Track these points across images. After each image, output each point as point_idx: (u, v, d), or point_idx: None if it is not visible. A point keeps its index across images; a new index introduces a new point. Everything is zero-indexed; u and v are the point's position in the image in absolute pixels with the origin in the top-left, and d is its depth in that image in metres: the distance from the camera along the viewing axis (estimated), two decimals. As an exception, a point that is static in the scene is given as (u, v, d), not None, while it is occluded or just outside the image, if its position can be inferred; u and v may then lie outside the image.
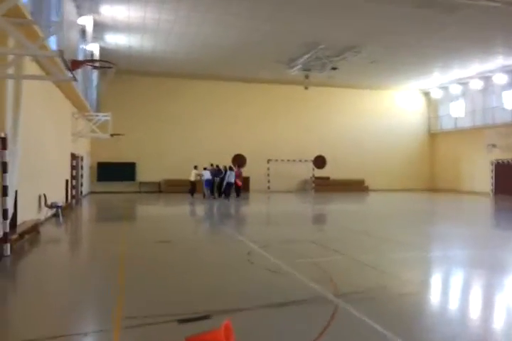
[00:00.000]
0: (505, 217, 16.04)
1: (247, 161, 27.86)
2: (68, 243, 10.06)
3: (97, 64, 14.82)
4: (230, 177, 21.34)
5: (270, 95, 28.43)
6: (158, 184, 26.71)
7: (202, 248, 8.82)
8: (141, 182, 26.22)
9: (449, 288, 6.23)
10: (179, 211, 16.71)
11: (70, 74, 7.91)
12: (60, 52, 6.50)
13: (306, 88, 24.57)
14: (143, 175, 26.24)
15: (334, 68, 22.95)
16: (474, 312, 5.18)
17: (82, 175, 20.35)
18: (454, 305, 5.46)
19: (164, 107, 26.82)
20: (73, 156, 17.51)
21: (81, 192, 20.16)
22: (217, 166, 22.55)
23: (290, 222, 13.64)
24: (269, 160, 27.67)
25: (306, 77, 23.46)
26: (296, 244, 9.15)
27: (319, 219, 15.27)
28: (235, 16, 16.62)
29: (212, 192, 21.91)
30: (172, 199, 22.13)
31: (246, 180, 28.09)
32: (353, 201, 23.20)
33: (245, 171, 27.74)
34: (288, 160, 27.04)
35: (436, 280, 6.72)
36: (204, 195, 21.96)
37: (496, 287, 6.14)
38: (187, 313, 4.74)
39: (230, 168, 22.21)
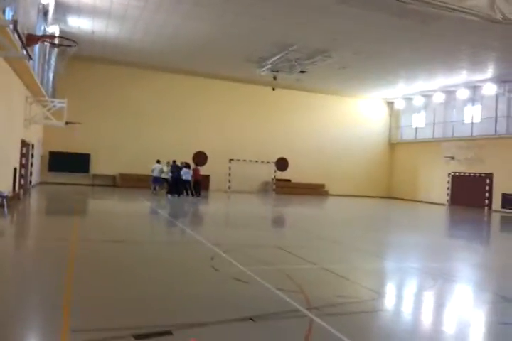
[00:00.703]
0: (467, 227, 16.28)
1: (208, 159, 27.19)
2: (10, 238, 9.11)
3: (56, 41, 13.59)
4: (186, 174, 20.55)
5: (237, 94, 27.91)
6: (113, 177, 25.58)
7: (160, 250, 8.17)
8: (94, 175, 25.00)
9: (423, 303, 5.93)
10: (135, 208, 15.86)
11: (24, 51, 7.07)
12: (14, 22, 5.71)
13: (273, 89, 24.25)
14: (97, 167, 25.03)
15: (303, 71, 22.76)
16: (452, 328, 4.86)
17: (32, 164, 19.05)
18: (428, 320, 5.13)
19: (125, 98, 25.73)
20: (24, 143, 16.28)
21: (30, 182, 18.86)
22: (173, 162, 21.57)
23: (252, 225, 13.17)
24: (231, 160, 27.12)
25: (275, 78, 23.09)
26: (262, 249, 8.67)
27: (282, 223, 14.89)
28: (207, 8, 15.98)
29: (155, 188, 21.41)
30: (127, 194, 21.15)
31: (206, 179, 27.43)
32: (314, 205, 23.06)
33: (206, 170, 27.08)
34: (250, 161, 26.61)
35: (412, 294, 6.41)
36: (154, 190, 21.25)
37: (477, 303, 5.90)
38: (144, 327, 4.14)
39: (186, 165, 21.30)
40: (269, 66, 21.60)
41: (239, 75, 26.26)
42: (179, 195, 20.44)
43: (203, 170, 26.87)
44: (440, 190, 27.82)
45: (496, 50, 18.80)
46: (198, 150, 27.23)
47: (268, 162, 27.55)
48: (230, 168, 27.15)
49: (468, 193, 26.02)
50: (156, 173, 21.26)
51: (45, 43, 12.80)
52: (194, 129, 27.05)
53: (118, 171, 25.47)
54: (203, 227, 12.10)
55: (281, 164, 28.54)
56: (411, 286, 6.88)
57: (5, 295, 5.03)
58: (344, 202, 25.48)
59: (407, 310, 5.48)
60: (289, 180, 29.23)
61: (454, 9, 9.95)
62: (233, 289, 5.70)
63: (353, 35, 17.75)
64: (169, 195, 20.52)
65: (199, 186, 21.67)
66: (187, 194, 20.75)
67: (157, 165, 21.50)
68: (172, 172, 20.79)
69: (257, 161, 27.15)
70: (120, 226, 10.88)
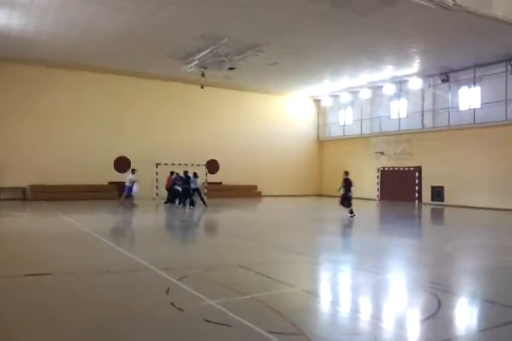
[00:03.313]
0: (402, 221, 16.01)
1: (131, 164, 25.09)
2: None
3: None
4: (194, 183, 19.70)
5: (162, 93, 26.01)
6: (23, 190, 22.60)
7: (100, 284, 6.40)
8: (0, 188, 21.84)
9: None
10: (53, 225, 13.57)
11: None
12: None
13: (202, 87, 22.69)
14: (4, 179, 21.88)
15: (232, 68, 21.57)
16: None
17: None
18: None
19: (34, 100, 22.80)
20: None
21: None
22: (185, 173, 20.23)
23: (194, 237, 11.70)
24: (157, 164, 25.18)
25: (203, 74, 21.57)
26: (222, 271, 7.27)
27: (224, 232, 13.48)
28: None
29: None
30: (42, 208, 18.55)
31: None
32: (248, 208, 21.99)
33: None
34: (179, 164, 24.81)
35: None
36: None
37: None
38: None
39: (195, 175, 20.20)
40: (196, 62, 20.03)
41: (164, 73, 24.38)
42: (193, 205, 19.48)
43: (121, 177, 24.83)
44: (370, 185, 28.00)
45: (421, 44, 18.89)
46: (119, 155, 25.06)
47: (199, 165, 25.96)
48: (156, 173, 25.19)
49: (399, 187, 26.40)
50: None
51: None
52: (115, 133, 24.72)
53: (29, 183, 22.54)
54: (138, 246, 10.35)
55: (212, 166, 27.12)
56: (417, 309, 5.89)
57: None
58: (277, 203, 24.62)
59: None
60: (220, 183, 27.91)
61: (409, -7, 9.24)
62: (214, 339, 4.29)
63: (286, 28, 16.75)
64: (190, 206, 19.40)
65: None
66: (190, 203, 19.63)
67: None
68: (187, 183, 19.54)
69: (186, 164, 25.41)
70: (41, 251, 8.88)
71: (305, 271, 7.66)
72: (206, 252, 9.18)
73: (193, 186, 19.59)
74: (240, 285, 6.23)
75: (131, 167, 21.92)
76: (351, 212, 16.06)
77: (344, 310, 5.37)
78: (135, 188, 19.51)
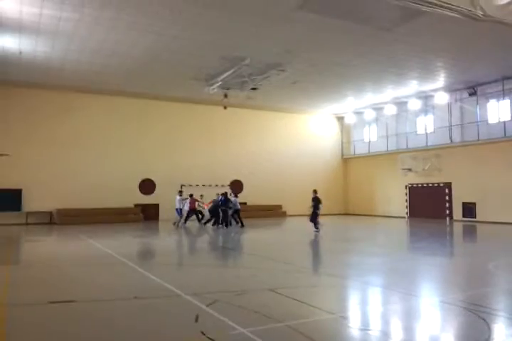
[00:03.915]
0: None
1: (156, 187, 25.15)
2: None
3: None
4: (236, 204, 20.14)
5: (185, 115, 26.21)
6: (50, 214, 22.80)
7: (126, 311, 6.13)
8: (28, 212, 22.08)
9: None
10: (79, 249, 13.47)
11: None
12: None
13: (225, 108, 22.71)
14: (31, 203, 22.13)
15: (254, 88, 21.52)
16: None
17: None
18: None
19: (58, 126, 23.25)
20: None
21: None
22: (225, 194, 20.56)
23: (223, 259, 11.40)
24: (182, 186, 25.13)
25: (225, 95, 21.62)
26: (253, 296, 6.92)
27: (254, 254, 13.11)
28: (151, 19, 14.29)
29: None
30: (69, 232, 18.57)
31: (155, 208, 25.30)
32: (275, 228, 21.57)
33: (154, 198, 25.09)
34: (203, 185, 24.72)
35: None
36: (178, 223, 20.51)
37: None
38: None
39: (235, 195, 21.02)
40: (219, 83, 20.08)
41: (186, 95, 24.63)
42: (227, 226, 19.66)
43: (151, 198, 24.95)
44: (399, 202, 27.30)
45: (446, 58, 18.52)
46: (144, 177, 25.17)
47: (223, 185, 25.81)
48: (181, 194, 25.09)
49: (428, 204, 25.62)
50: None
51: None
52: (140, 156, 24.92)
53: (55, 207, 22.74)
54: (165, 269, 10.07)
55: (236, 186, 26.92)
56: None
57: None
58: (302, 223, 24.08)
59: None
60: (244, 203, 27.59)
61: (435, 4, 8.99)
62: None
63: (308, 45, 16.70)
64: (221, 226, 19.73)
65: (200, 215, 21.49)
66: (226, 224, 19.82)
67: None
68: (225, 204, 19.83)
69: (210, 185, 25.34)
70: (66, 277, 8.71)
71: (341, 296, 7.24)
72: (235, 275, 8.84)
73: (236, 207, 19.97)
74: (272, 311, 5.86)
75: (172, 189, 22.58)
76: (316, 227, 17.48)
77: (389, 339, 4.95)
78: (185, 207, 20.72)
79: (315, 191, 18.07)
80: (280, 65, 18.66)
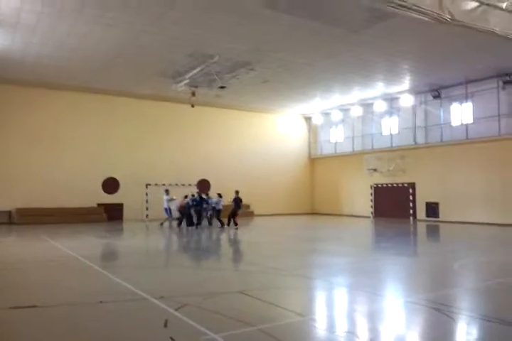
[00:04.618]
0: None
1: (120, 186, 24.56)
2: None
3: None
4: (219, 204, 20.09)
5: (151, 113, 25.68)
6: (9, 213, 21.89)
7: (91, 317, 5.86)
8: (-16, 213, 21.13)
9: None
10: (41, 250, 12.93)
11: None
12: None
13: (192, 106, 22.36)
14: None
15: (223, 87, 21.26)
16: None
17: None
18: None
19: (21, 122, 22.36)
20: None
21: None
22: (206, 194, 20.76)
23: (191, 260, 11.18)
24: (147, 185, 24.66)
25: (193, 93, 21.33)
26: (223, 298, 6.77)
27: (220, 254, 12.96)
28: (117, 13, 13.85)
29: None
30: (29, 232, 17.85)
31: (119, 208, 24.70)
32: (244, 228, 21.40)
33: (118, 197, 24.53)
34: (170, 185, 24.32)
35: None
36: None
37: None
38: None
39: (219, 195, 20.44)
40: (187, 81, 19.79)
41: (153, 92, 24.17)
42: (197, 227, 19.42)
43: (114, 198, 24.35)
44: (364, 202, 27.74)
45: (412, 61, 18.89)
46: (108, 176, 24.52)
47: (189, 185, 25.48)
48: (146, 194, 24.66)
49: (393, 204, 26.14)
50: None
51: None
52: (104, 154, 24.26)
53: (14, 206, 21.86)
54: (131, 272, 9.76)
55: (203, 186, 26.65)
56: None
57: None
58: (270, 223, 24.10)
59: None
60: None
61: (406, 7, 9.09)
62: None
63: (278, 45, 16.66)
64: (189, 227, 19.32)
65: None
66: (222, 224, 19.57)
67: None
68: (198, 204, 19.61)
69: (177, 184, 24.95)
70: (27, 281, 8.30)
71: (311, 297, 7.20)
72: (203, 278, 8.66)
73: (218, 207, 19.93)
74: (243, 314, 5.74)
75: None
76: (223, 224, 19.01)
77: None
78: (173, 207, 20.49)
79: (237, 192, 19.04)
80: (249, 64, 18.57)
